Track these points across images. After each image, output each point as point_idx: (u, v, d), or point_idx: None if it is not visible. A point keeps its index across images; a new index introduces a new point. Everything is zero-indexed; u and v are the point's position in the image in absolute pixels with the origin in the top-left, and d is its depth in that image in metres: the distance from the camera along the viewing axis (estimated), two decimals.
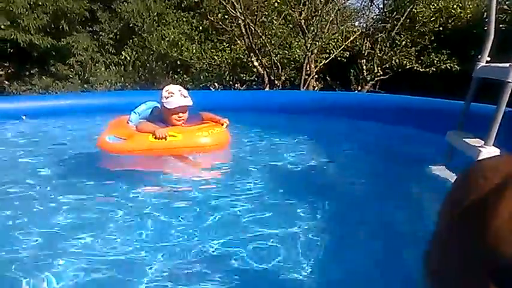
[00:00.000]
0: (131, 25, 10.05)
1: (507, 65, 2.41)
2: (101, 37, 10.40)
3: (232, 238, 2.10)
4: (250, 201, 2.59)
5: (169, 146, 3.18)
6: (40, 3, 9.49)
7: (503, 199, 0.45)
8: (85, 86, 10.16)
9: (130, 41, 10.27)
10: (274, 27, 8.62)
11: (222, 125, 3.46)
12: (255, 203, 2.56)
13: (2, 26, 9.17)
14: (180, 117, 3.32)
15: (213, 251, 1.99)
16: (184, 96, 3.31)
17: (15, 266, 1.86)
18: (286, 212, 2.43)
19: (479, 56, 2.78)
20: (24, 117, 5.47)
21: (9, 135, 4.75)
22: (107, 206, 2.55)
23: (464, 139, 2.67)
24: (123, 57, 10.29)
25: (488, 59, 2.74)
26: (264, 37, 8.09)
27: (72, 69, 10.20)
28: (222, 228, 2.22)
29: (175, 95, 3.27)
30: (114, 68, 10.46)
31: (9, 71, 10.87)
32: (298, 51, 8.78)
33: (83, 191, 2.80)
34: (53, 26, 9.93)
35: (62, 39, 9.88)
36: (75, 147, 4.05)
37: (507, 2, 7.96)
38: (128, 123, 3.48)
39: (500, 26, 6.13)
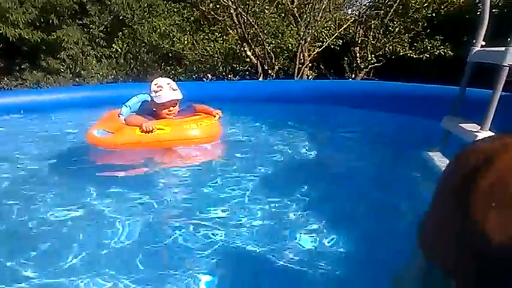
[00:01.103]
0: (121, 17, 9.92)
1: (502, 48, 2.39)
2: (91, 30, 10.27)
3: (224, 232, 2.08)
4: (242, 192, 2.56)
5: (156, 139, 3.15)
6: None
7: (484, 173, 0.46)
8: (77, 79, 10.08)
9: (121, 33, 10.16)
10: (266, 16, 8.53)
11: (214, 116, 3.43)
12: (247, 195, 2.52)
13: None
14: (170, 111, 3.31)
15: (204, 245, 1.97)
16: (174, 90, 3.28)
17: (8, 263, 1.84)
18: (282, 203, 2.40)
19: (474, 41, 2.76)
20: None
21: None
22: (93, 202, 2.50)
23: (460, 124, 2.67)
24: (114, 50, 10.18)
25: (483, 43, 2.73)
26: (256, 26, 8.02)
27: (63, 63, 10.10)
28: (213, 221, 2.18)
29: (165, 89, 3.24)
30: (105, 60, 10.37)
31: None
32: (290, 39, 8.71)
33: (69, 186, 2.76)
34: (42, 20, 9.80)
35: (52, 33, 9.76)
36: (65, 141, 4.00)
37: None
38: (119, 116, 3.45)
39: (493, 10, 6.11)
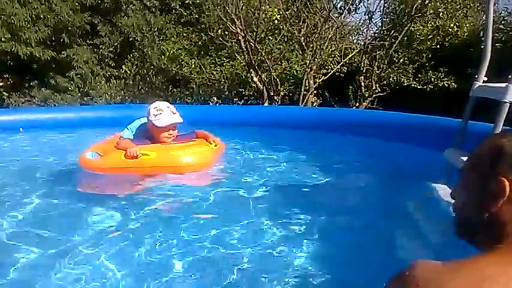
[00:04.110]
0: (131, 39, 10.12)
1: (503, 85, 2.44)
2: (101, 50, 10.47)
3: (211, 257, 2.06)
4: (236, 219, 2.50)
5: (141, 165, 3.08)
6: (42, 16, 9.57)
7: None
8: (85, 98, 10.20)
9: (130, 55, 10.34)
10: (272, 44, 8.67)
11: (210, 143, 3.38)
12: (238, 223, 2.45)
13: (3, 39, 9.21)
14: (170, 134, 3.30)
15: (198, 268, 1.96)
16: (174, 113, 3.27)
17: None
18: (276, 232, 2.35)
19: (477, 76, 2.81)
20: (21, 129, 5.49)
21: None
22: (76, 227, 2.45)
23: (462, 157, 2.69)
24: (123, 71, 10.35)
25: (485, 78, 2.78)
26: (263, 53, 8.15)
27: (72, 82, 10.24)
28: (200, 251, 2.14)
29: (165, 112, 3.22)
30: (114, 81, 10.51)
31: (9, 82, 10.91)
32: (296, 66, 8.83)
33: (54, 208, 2.73)
34: (53, 38, 10.00)
35: (62, 52, 9.94)
36: (61, 162, 3.98)
37: (503, 22, 8.08)
38: (120, 139, 3.41)
39: (496, 45, 6.21)
